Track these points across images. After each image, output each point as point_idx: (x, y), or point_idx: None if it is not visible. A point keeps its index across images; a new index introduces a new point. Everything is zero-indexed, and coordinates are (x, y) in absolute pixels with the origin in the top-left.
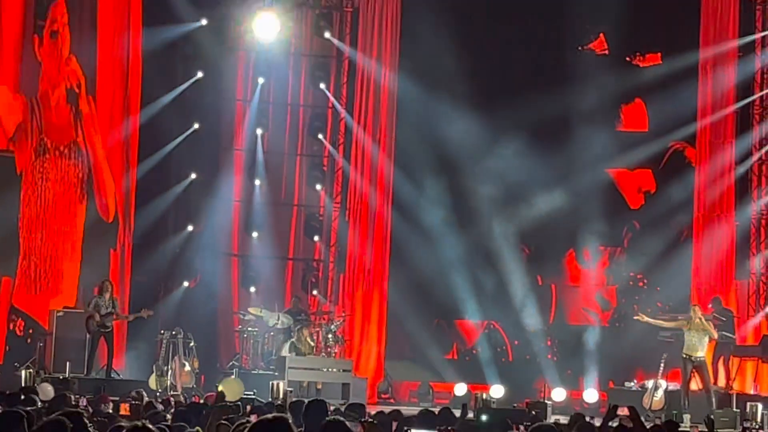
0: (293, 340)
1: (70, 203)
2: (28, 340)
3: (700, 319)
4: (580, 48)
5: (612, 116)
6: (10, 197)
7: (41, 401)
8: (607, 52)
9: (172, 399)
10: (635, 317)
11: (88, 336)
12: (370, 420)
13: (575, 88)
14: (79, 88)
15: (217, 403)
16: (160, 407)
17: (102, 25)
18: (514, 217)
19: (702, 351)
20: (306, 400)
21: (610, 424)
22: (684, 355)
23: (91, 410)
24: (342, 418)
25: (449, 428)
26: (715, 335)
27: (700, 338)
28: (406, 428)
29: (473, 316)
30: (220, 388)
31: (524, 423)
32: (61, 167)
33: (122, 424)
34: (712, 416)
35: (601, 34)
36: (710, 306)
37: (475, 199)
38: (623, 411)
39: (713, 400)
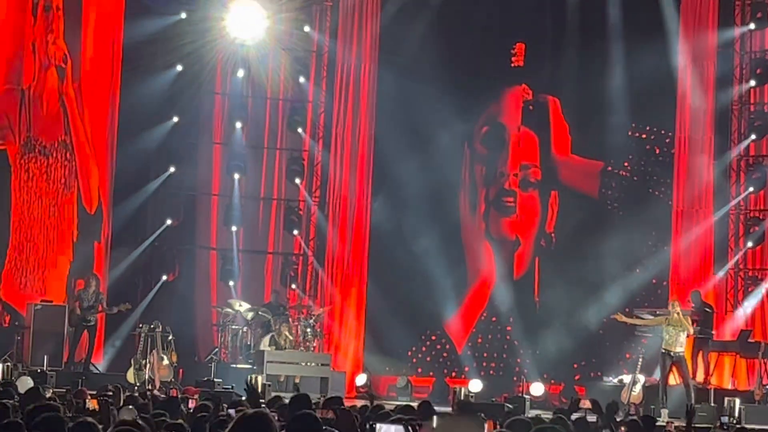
0: (273, 334)
1: (58, 196)
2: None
3: (678, 314)
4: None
5: None
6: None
7: (18, 394)
8: None
9: (148, 393)
10: (612, 316)
11: (71, 329)
12: (344, 408)
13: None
14: (65, 72)
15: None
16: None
17: (87, 16)
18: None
19: (681, 346)
20: (284, 396)
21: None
22: (663, 350)
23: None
24: (311, 411)
25: (418, 423)
26: (692, 331)
27: (678, 333)
28: (371, 423)
29: (452, 310)
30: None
31: (498, 419)
32: (49, 162)
33: (88, 419)
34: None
35: None
36: (689, 300)
37: (455, 192)
38: (585, 404)
39: (692, 394)
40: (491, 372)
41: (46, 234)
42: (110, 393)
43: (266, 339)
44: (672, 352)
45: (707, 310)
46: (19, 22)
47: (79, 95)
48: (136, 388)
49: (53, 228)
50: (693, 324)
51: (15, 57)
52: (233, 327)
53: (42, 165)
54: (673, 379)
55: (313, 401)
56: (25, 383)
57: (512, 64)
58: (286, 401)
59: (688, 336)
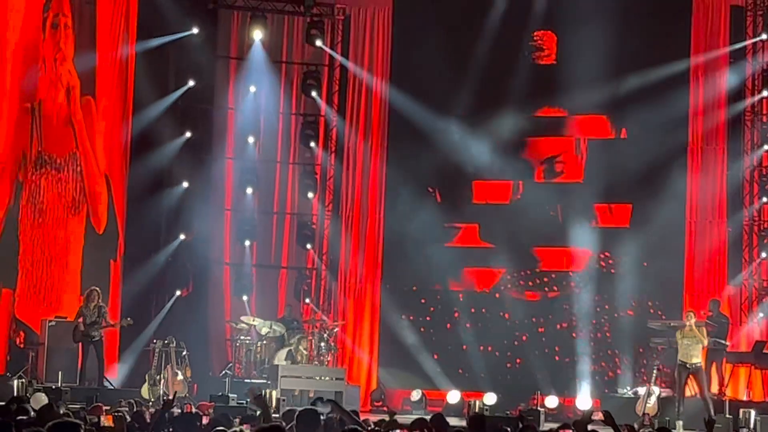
0: (291, 348)
1: (67, 215)
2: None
3: (692, 326)
4: None
5: None
6: (9, 210)
7: (34, 410)
8: None
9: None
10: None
11: (79, 346)
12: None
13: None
14: (71, 92)
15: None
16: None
17: (101, 32)
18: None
19: (698, 357)
20: (298, 409)
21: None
22: (680, 362)
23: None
24: (313, 407)
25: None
26: (705, 342)
27: (691, 345)
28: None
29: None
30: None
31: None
32: (59, 179)
33: None
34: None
35: None
36: (708, 309)
37: (468, 205)
38: (598, 416)
39: (710, 406)
40: (506, 384)
41: (58, 253)
42: (125, 408)
43: (282, 353)
44: (688, 364)
45: (723, 320)
46: (33, 39)
47: (89, 114)
48: (150, 403)
49: (63, 247)
50: (707, 335)
51: (28, 74)
52: (247, 342)
53: (53, 181)
54: (689, 391)
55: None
56: (40, 400)
57: None
58: None
59: (703, 348)
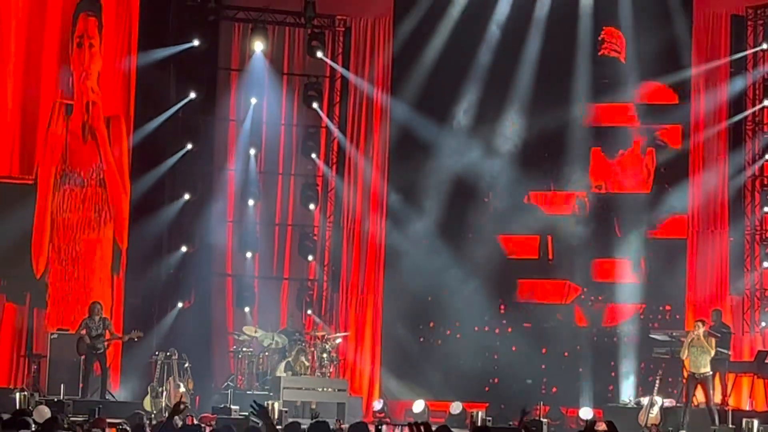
0: (289, 360)
1: (91, 230)
2: None
3: (698, 336)
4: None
5: None
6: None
7: (35, 423)
8: None
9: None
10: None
11: (82, 358)
12: None
13: (571, 106)
14: (91, 107)
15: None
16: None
17: (106, 45)
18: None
19: (706, 367)
20: (302, 422)
21: None
22: (689, 372)
23: None
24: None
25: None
26: (713, 352)
27: (699, 355)
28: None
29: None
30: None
31: None
32: (84, 195)
33: None
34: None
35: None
36: (710, 318)
37: (469, 215)
38: (601, 426)
39: (716, 417)
40: (508, 395)
41: (86, 269)
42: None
43: (282, 365)
44: (697, 374)
45: (724, 330)
46: (64, 55)
47: (108, 129)
48: (152, 415)
49: (90, 262)
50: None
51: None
52: (249, 353)
53: (77, 196)
54: (696, 400)
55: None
56: (43, 413)
57: None
58: (304, 427)
59: (711, 357)
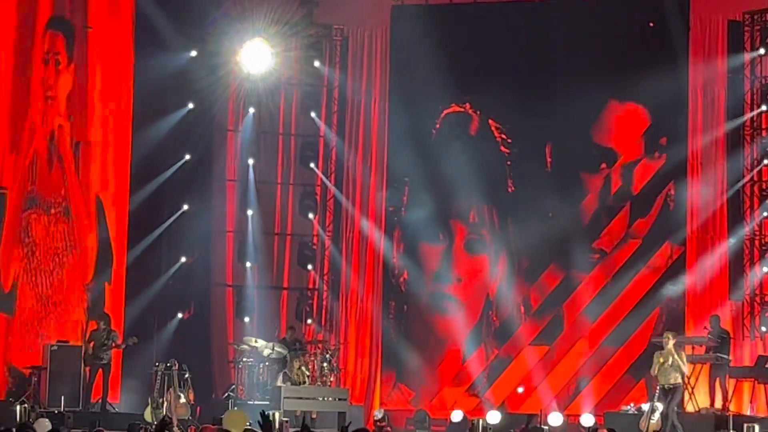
0: (285, 370)
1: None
2: None
3: (670, 350)
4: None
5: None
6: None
7: None
8: None
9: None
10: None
11: (85, 369)
12: None
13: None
14: (61, 131)
15: None
16: None
17: (101, 51)
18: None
19: (676, 379)
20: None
21: None
22: (659, 385)
23: None
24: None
25: None
26: (685, 369)
27: (672, 367)
28: None
29: (469, 342)
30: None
31: None
32: (49, 219)
33: None
34: None
35: None
36: (707, 325)
37: (468, 223)
38: None
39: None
40: (509, 403)
41: (60, 276)
42: None
43: (281, 375)
44: (666, 386)
45: (724, 336)
46: (28, 72)
47: (86, 147)
48: (153, 426)
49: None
50: (709, 350)
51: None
52: (249, 363)
53: (44, 221)
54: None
55: None
56: (43, 425)
57: None
58: None
59: (682, 373)
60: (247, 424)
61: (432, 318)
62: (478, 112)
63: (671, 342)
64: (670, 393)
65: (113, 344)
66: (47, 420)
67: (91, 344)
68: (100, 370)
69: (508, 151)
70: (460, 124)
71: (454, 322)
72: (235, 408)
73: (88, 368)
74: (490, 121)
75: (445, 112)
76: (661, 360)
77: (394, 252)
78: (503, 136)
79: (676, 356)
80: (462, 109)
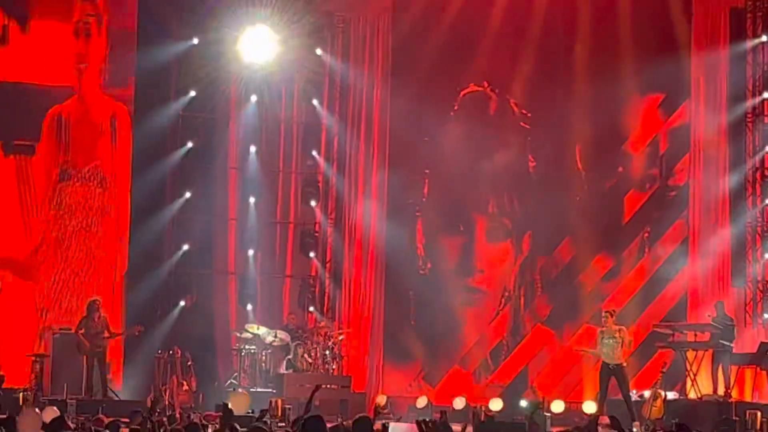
0: (290, 357)
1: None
2: None
3: (609, 327)
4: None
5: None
6: None
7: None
8: None
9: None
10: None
11: (84, 358)
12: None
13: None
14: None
15: (225, 417)
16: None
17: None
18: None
19: (620, 358)
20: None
21: None
22: (603, 364)
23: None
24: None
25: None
26: (627, 340)
27: (616, 345)
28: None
29: (471, 328)
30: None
31: None
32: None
33: None
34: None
35: None
36: (711, 312)
37: (471, 211)
38: (604, 420)
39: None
40: (512, 390)
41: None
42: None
43: (285, 362)
44: (611, 365)
45: (727, 323)
46: (64, 45)
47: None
48: (156, 414)
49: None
50: (711, 336)
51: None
52: (252, 351)
53: (78, 193)
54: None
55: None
56: (50, 413)
57: None
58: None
59: (625, 349)
60: (250, 410)
61: (436, 306)
62: (497, 91)
63: (610, 318)
64: (615, 374)
65: (108, 332)
66: (54, 407)
67: (82, 332)
68: (96, 358)
69: (527, 126)
70: (477, 105)
71: (466, 312)
72: (240, 390)
73: (85, 357)
74: (509, 98)
75: (463, 92)
76: (604, 338)
77: (418, 244)
78: (523, 111)
79: (618, 334)
80: (480, 88)
